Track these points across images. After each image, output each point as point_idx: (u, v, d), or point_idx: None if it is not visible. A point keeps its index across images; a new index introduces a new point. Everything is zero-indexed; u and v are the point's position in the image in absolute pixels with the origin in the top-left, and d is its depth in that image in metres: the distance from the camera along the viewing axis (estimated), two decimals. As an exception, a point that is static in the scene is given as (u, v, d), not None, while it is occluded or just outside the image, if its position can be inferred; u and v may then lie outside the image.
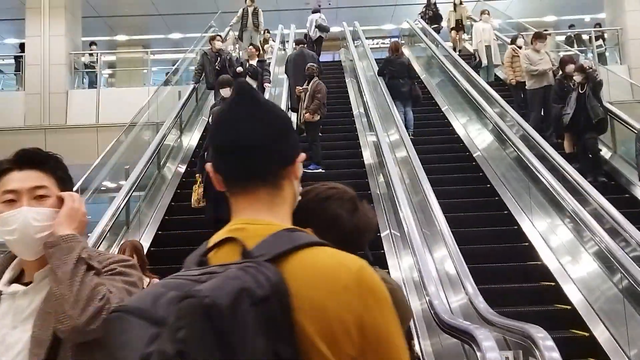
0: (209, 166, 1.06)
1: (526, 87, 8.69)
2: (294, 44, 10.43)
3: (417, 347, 4.40)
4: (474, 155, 7.86)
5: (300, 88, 8.32)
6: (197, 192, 6.13)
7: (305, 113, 7.95)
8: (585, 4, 17.71)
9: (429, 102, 10.17)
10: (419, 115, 9.57)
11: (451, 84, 9.76)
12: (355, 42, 12.79)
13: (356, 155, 8.24)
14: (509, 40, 10.37)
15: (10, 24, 17.22)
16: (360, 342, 0.87)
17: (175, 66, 11.59)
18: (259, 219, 0.99)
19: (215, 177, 1.05)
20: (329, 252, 0.94)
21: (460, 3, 13.22)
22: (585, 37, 15.03)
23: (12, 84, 15.11)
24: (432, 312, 3.91)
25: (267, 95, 8.49)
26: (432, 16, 13.43)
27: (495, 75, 11.09)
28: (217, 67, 9.13)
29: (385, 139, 7.18)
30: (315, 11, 12.67)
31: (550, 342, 2.68)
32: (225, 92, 7.00)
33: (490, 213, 6.56)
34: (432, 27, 13.11)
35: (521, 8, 18.24)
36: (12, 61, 15.09)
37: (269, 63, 10.17)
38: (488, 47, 10.89)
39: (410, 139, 7.42)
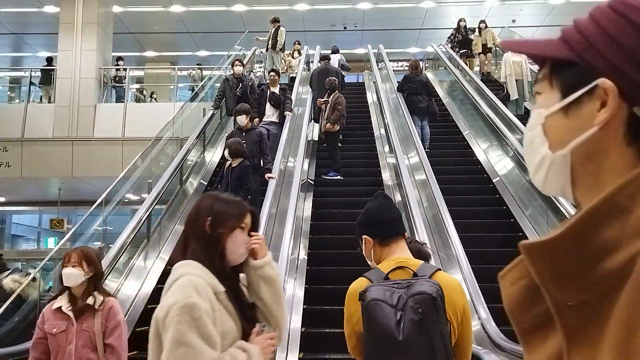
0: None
1: None
2: (320, 59, 11.10)
3: None
4: (494, 180, 7.87)
5: (322, 100, 8.90)
6: None
7: (327, 123, 8.49)
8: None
9: (450, 124, 10.23)
10: (440, 137, 9.65)
11: (473, 109, 9.80)
12: (379, 64, 12.93)
13: (376, 174, 8.31)
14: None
15: (44, 37, 17.75)
16: (461, 317, 2.04)
17: (202, 83, 11.82)
18: (408, 258, 2.18)
19: (368, 242, 2.25)
20: (446, 274, 2.28)
21: (485, 27, 13.31)
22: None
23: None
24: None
25: (288, 123, 8.50)
26: (462, 40, 13.51)
27: (526, 108, 10.35)
28: (237, 93, 8.81)
29: (404, 162, 7.23)
30: (334, 52, 12.78)
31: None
32: (241, 119, 6.97)
33: (505, 234, 6.59)
34: (462, 51, 13.18)
35: (549, 34, 18.22)
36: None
37: (292, 88, 10.27)
38: (518, 81, 10.38)
39: (426, 151, 8.05)
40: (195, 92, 11.41)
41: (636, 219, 0.55)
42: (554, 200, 5.99)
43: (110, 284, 5.71)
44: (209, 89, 11.32)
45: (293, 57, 14.01)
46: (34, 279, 4.82)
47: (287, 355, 4.73)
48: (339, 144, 8.82)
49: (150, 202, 6.19)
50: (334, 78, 9.03)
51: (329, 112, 8.55)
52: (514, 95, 10.41)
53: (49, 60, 15.41)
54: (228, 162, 6.47)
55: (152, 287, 5.69)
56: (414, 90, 9.54)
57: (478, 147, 9.03)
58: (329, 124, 8.43)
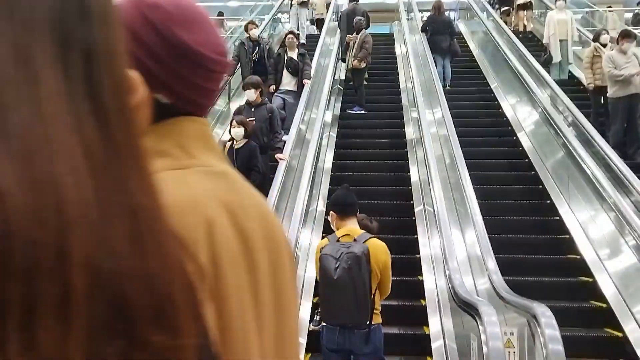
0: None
1: (607, 94, 7.41)
2: (349, 0, 11.35)
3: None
4: (520, 138, 7.78)
5: (351, 36, 9.28)
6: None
7: (354, 61, 8.97)
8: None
9: (479, 76, 10.07)
10: (467, 89, 9.56)
11: (503, 62, 9.56)
12: (410, 14, 12.64)
13: (399, 126, 8.32)
14: (590, 36, 8.97)
15: None
16: (382, 269, 3.29)
17: (229, 33, 11.80)
18: (354, 228, 3.46)
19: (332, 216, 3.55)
20: (377, 240, 3.45)
21: None
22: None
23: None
24: (449, 286, 4.03)
25: (306, 92, 7.68)
26: None
27: (571, 73, 9.87)
28: (254, 57, 8.19)
29: (426, 116, 7.19)
30: None
31: (549, 320, 2.76)
32: (250, 94, 6.27)
33: (532, 202, 6.53)
34: (504, 8, 12.69)
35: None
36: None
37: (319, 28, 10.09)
38: (563, 42, 9.69)
39: (445, 88, 8.59)
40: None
41: None
42: (576, 156, 5.92)
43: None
44: (235, 41, 11.30)
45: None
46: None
47: (300, 301, 4.90)
48: (365, 82, 9.38)
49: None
50: (362, 18, 9.46)
51: (356, 50, 8.98)
52: (556, 58, 9.68)
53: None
54: (229, 144, 5.72)
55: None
56: (437, 30, 9.94)
57: (506, 101, 8.87)
58: (355, 61, 8.93)
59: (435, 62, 9.25)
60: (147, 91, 0.69)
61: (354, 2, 10.78)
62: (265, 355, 0.73)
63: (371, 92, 9.65)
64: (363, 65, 9.02)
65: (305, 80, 7.92)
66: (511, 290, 3.72)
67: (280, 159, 5.97)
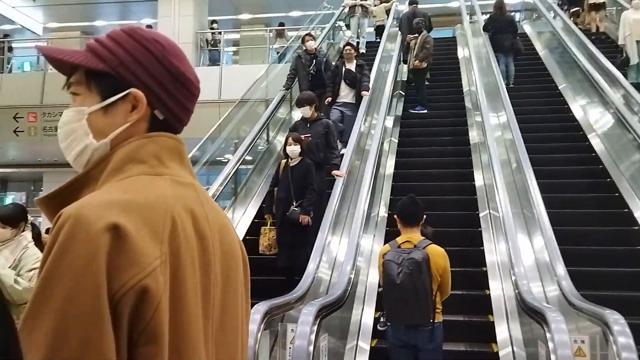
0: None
1: None
2: (409, 3, 11.48)
3: None
4: (589, 136, 7.46)
5: (411, 36, 9.52)
6: (267, 236, 5.36)
7: (415, 61, 9.14)
8: None
9: (546, 79, 9.73)
10: (533, 92, 9.25)
11: (572, 63, 9.21)
12: (473, 17, 12.41)
13: (463, 133, 8.14)
14: None
15: (147, 5, 18.61)
16: (442, 273, 3.61)
17: (289, 43, 11.96)
18: (415, 235, 3.72)
19: (397, 219, 3.82)
20: (436, 246, 3.67)
21: None
22: None
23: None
24: (516, 292, 3.89)
25: (364, 104, 7.55)
26: None
27: None
28: (311, 71, 7.99)
29: (490, 120, 7.01)
30: (413, 2, 11.99)
31: (622, 327, 2.61)
32: (306, 111, 6.10)
33: (607, 211, 6.15)
34: (573, 9, 12.24)
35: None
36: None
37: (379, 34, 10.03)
38: None
39: (509, 86, 8.73)
40: (280, 53, 11.56)
41: (101, 183, 0.85)
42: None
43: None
44: (294, 51, 11.44)
45: (375, 5, 13.00)
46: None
47: (363, 309, 4.88)
48: (427, 82, 9.51)
49: (236, 160, 6.47)
50: (422, 19, 9.67)
51: (417, 50, 9.19)
52: (634, 59, 9.21)
53: (149, 28, 16.18)
54: (284, 162, 5.54)
55: (241, 237, 6.01)
56: (499, 28, 10.00)
57: (575, 103, 8.53)
58: (417, 61, 9.10)
59: (498, 61, 9.32)
60: (147, 108, 0.91)
61: (414, 5, 11.01)
62: (207, 345, 0.82)
63: (433, 98, 9.51)
64: (424, 65, 9.18)
65: (363, 92, 7.73)
66: (583, 298, 3.55)
67: (337, 175, 5.81)
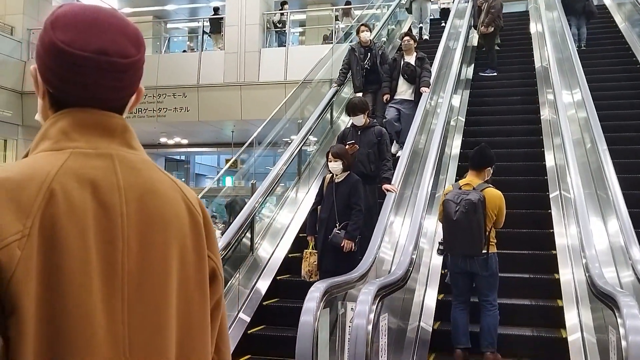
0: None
1: None
2: None
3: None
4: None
5: (482, 0, 9.62)
6: (308, 260, 4.75)
7: (481, 26, 9.41)
8: None
9: (624, 54, 9.18)
10: (611, 67, 8.77)
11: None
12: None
13: (534, 111, 7.84)
14: None
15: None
16: (498, 212, 4.19)
17: (354, 22, 11.84)
18: (475, 179, 4.26)
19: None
20: (494, 189, 4.21)
21: None
22: None
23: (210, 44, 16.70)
24: (586, 275, 3.74)
25: (424, 102, 6.87)
26: None
27: None
28: (366, 65, 7.35)
29: (563, 98, 6.71)
30: None
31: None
32: (359, 120, 5.46)
33: None
34: None
35: None
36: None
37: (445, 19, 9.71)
38: None
39: (580, 49, 8.70)
40: (345, 32, 11.47)
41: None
42: None
43: (265, 211, 6.25)
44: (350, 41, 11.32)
45: None
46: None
47: (425, 290, 4.84)
48: (497, 47, 9.65)
49: (299, 141, 6.52)
50: None
51: (484, 16, 9.38)
52: None
53: (216, 10, 16.46)
54: (329, 176, 4.92)
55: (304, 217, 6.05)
56: None
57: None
58: (482, 27, 9.36)
59: (569, 25, 9.17)
60: (42, 85, 0.93)
61: None
62: (113, 312, 0.82)
63: (505, 76, 9.21)
64: (491, 29, 9.31)
65: (423, 89, 6.99)
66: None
67: (388, 190, 5.15)
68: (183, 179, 22.43)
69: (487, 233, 4.10)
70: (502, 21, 9.56)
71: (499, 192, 4.22)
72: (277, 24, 15.05)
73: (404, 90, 7.12)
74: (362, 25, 7.71)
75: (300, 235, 5.75)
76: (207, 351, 0.94)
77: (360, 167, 5.24)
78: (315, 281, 4.32)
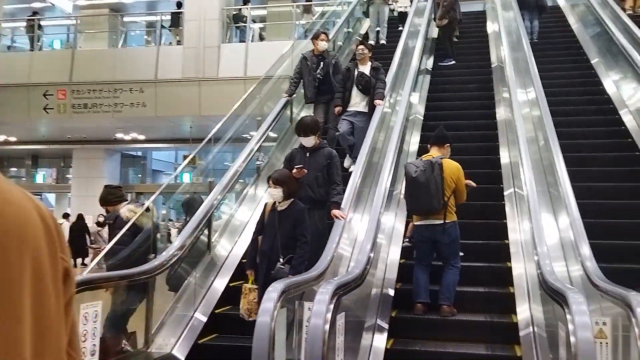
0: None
1: None
2: None
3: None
4: (620, 112, 7.27)
5: None
6: (247, 297, 4.31)
7: (437, 20, 10.02)
8: None
9: (577, 52, 9.46)
10: (564, 65, 9.02)
11: (606, 36, 8.91)
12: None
13: (489, 107, 8.01)
14: None
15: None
16: (456, 179, 4.74)
17: (314, 19, 11.82)
18: (435, 153, 4.95)
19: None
20: (450, 160, 4.85)
21: None
22: None
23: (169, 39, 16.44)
24: (538, 272, 3.83)
25: (379, 112, 6.56)
26: None
27: None
28: (318, 75, 7.01)
29: (518, 97, 6.86)
30: None
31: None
32: (309, 142, 5.12)
33: (628, 168, 6.26)
34: None
35: None
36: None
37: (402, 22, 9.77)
38: None
39: (532, 41, 9.25)
40: (306, 29, 11.44)
41: None
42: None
43: (224, 208, 6.19)
44: (321, 26, 11.29)
45: None
46: (147, 209, 5.26)
47: (382, 285, 4.87)
48: (455, 39, 10.15)
49: (258, 137, 6.47)
50: None
51: (439, 10, 9.98)
52: None
53: (179, 5, 16.19)
54: (270, 204, 4.54)
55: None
56: None
57: (608, 78, 8.28)
58: (438, 19, 9.97)
59: (523, 18, 9.77)
60: None
61: None
62: None
63: (459, 74, 9.37)
64: (445, 22, 9.84)
65: (377, 101, 6.68)
66: (607, 279, 3.47)
67: (336, 216, 4.77)
68: (139, 175, 22.13)
69: (447, 198, 4.61)
70: (458, 14, 9.98)
71: (457, 164, 4.76)
72: (238, 20, 14.90)
73: (357, 102, 6.83)
74: (322, 32, 7.35)
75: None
76: (61, 347, 0.94)
77: (309, 192, 4.96)
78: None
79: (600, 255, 3.87)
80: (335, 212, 4.79)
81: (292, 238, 4.28)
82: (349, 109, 6.81)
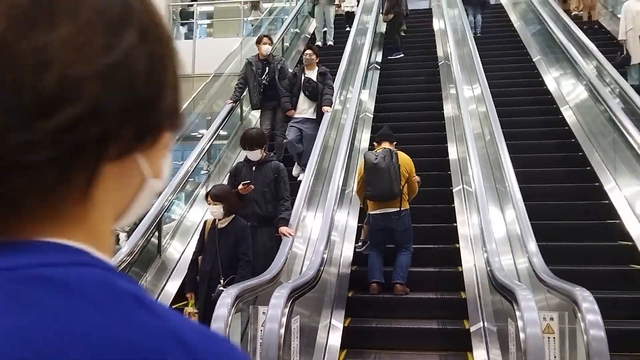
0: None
1: None
2: None
3: None
4: (562, 108, 7.52)
5: None
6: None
7: (383, 15, 10.34)
8: None
9: (520, 51, 9.73)
10: (508, 65, 9.27)
11: (547, 34, 9.20)
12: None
13: (437, 107, 8.13)
14: None
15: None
16: (409, 170, 5.05)
17: (262, 16, 11.75)
18: (388, 147, 5.20)
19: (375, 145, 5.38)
20: (402, 152, 5.18)
21: None
22: None
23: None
24: (487, 269, 3.93)
25: (326, 119, 6.44)
26: None
27: None
28: (264, 80, 6.81)
29: (464, 93, 7.00)
30: None
31: (590, 305, 2.64)
32: (255, 155, 4.79)
33: (572, 169, 6.40)
34: None
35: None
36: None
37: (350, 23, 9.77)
38: None
39: (476, 35, 9.87)
40: (254, 26, 11.35)
41: None
42: (624, 133, 5.64)
43: (176, 209, 6.07)
44: (270, 23, 11.23)
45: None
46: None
47: (337, 285, 4.89)
48: (402, 32, 10.57)
49: (209, 137, 6.38)
50: None
51: (385, 4, 10.36)
52: (635, 58, 7.95)
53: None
54: (210, 220, 4.35)
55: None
56: None
57: (549, 75, 8.55)
58: (384, 14, 10.33)
59: (467, 13, 10.27)
60: None
61: None
62: None
63: (407, 73, 9.50)
64: (391, 16, 10.19)
65: (324, 108, 6.54)
66: (553, 274, 3.59)
67: (285, 234, 4.53)
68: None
69: (402, 185, 4.93)
70: (404, 8, 10.40)
71: (408, 157, 5.16)
72: (184, 16, 14.62)
73: (305, 108, 6.67)
74: (264, 36, 7.13)
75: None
76: None
77: (256, 208, 4.67)
78: None
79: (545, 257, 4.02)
80: (283, 229, 4.57)
81: (234, 257, 4.08)
82: (297, 116, 6.67)
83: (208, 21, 18.52)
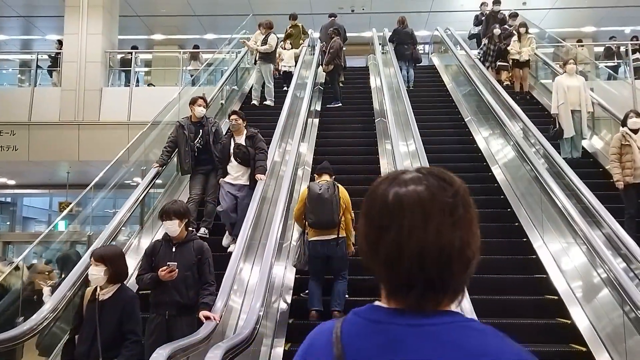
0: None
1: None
2: (328, 16, 13.02)
3: None
4: (492, 167, 7.83)
5: (326, 44, 11.17)
6: None
7: (323, 66, 10.93)
8: (628, 16, 17.34)
9: (452, 110, 10.15)
10: (442, 124, 9.61)
11: (476, 95, 9.69)
12: (385, 47, 12.83)
13: (373, 161, 8.30)
14: (619, 115, 7.37)
15: (52, 20, 17.79)
16: (346, 203, 5.38)
17: (202, 67, 11.79)
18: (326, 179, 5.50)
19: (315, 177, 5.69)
20: (341, 186, 5.49)
21: (526, 31, 10.90)
22: (623, 49, 14.66)
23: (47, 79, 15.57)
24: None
25: (260, 187, 6.22)
26: (498, 51, 11.20)
27: (585, 150, 8.38)
28: (196, 145, 6.52)
29: (400, 148, 7.20)
30: (332, 15, 13.05)
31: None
32: (172, 228, 4.18)
33: (500, 224, 6.59)
34: (500, 63, 11.17)
35: (559, 19, 17.94)
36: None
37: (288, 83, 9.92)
38: (575, 113, 8.15)
39: (409, 89, 10.67)
40: (194, 76, 11.36)
41: None
42: (549, 192, 5.92)
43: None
44: (209, 74, 11.27)
45: (285, 48, 11.95)
46: (17, 268, 4.81)
47: (273, 340, 4.78)
48: (340, 84, 11.16)
49: (143, 188, 6.22)
50: (335, 28, 11.48)
51: (326, 56, 10.94)
52: (568, 132, 8.04)
53: (62, 43, 15.43)
54: (90, 291, 3.62)
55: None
56: (401, 40, 12.00)
57: (479, 134, 8.95)
58: (324, 65, 10.89)
59: (400, 68, 11.06)
60: None
61: (332, 18, 12.75)
62: None
63: (345, 128, 9.70)
64: (331, 67, 10.77)
65: (258, 176, 6.29)
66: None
67: (207, 317, 3.94)
68: (8, 223, 20.37)
69: (340, 215, 5.24)
70: (342, 61, 11.15)
71: (345, 190, 5.49)
72: (124, 64, 14.46)
73: (239, 175, 6.38)
74: (199, 98, 6.74)
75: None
76: None
77: (175, 296, 4.06)
78: None
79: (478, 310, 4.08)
80: (204, 313, 3.96)
81: (119, 336, 3.36)
82: (231, 182, 6.36)
83: (146, 69, 18.43)
